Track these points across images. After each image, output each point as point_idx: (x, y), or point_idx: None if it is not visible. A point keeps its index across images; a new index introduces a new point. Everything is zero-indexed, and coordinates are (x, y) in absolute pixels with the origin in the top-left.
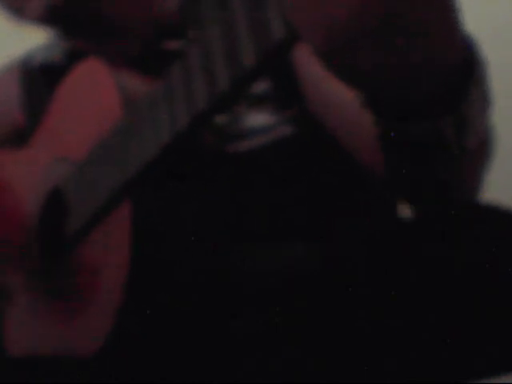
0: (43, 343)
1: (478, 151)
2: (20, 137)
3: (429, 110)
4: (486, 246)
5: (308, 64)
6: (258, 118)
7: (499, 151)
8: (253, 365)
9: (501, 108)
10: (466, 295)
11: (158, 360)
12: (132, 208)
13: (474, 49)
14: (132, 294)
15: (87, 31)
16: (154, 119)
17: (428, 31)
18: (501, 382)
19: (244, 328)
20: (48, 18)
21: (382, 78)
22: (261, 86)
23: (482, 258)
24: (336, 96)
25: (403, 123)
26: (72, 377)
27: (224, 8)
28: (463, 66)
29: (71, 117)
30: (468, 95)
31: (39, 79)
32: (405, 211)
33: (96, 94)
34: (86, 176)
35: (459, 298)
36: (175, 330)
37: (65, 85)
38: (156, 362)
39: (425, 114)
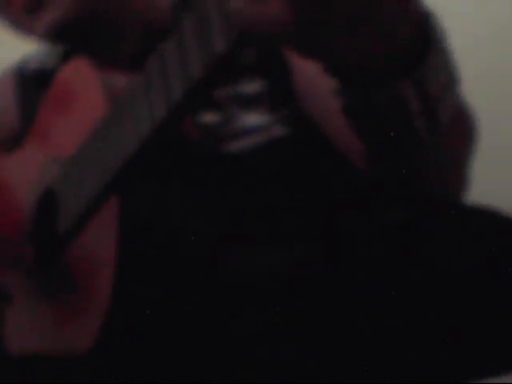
0: (42, 342)
1: (454, 130)
2: (16, 141)
3: (387, 76)
4: (486, 245)
5: (301, 63)
6: (251, 118)
7: (499, 152)
8: (253, 365)
9: (501, 108)
10: (465, 295)
11: (157, 360)
12: (121, 206)
13: (431, 21)
14: (121, 292)
15: (90, 41)
16: (134, 113)
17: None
18: (501, 381)
19: (244, 328)
20: (58, 32)
21: (334, 48)
22: (254, 87)
23: (481, 258)
24: (325, 91)
25: (364, 91)
26: (72, 376)
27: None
28: (420, 37)
29: (61, 116)
30: (425, 62)
31: (34, 84)
32: (399, 208)
33: (82, 91)
34: (73, 175)
35: (459, 297)
36: (175, 330)
37: (53, 85)
38: (155, 362)
39: (384, 80)
